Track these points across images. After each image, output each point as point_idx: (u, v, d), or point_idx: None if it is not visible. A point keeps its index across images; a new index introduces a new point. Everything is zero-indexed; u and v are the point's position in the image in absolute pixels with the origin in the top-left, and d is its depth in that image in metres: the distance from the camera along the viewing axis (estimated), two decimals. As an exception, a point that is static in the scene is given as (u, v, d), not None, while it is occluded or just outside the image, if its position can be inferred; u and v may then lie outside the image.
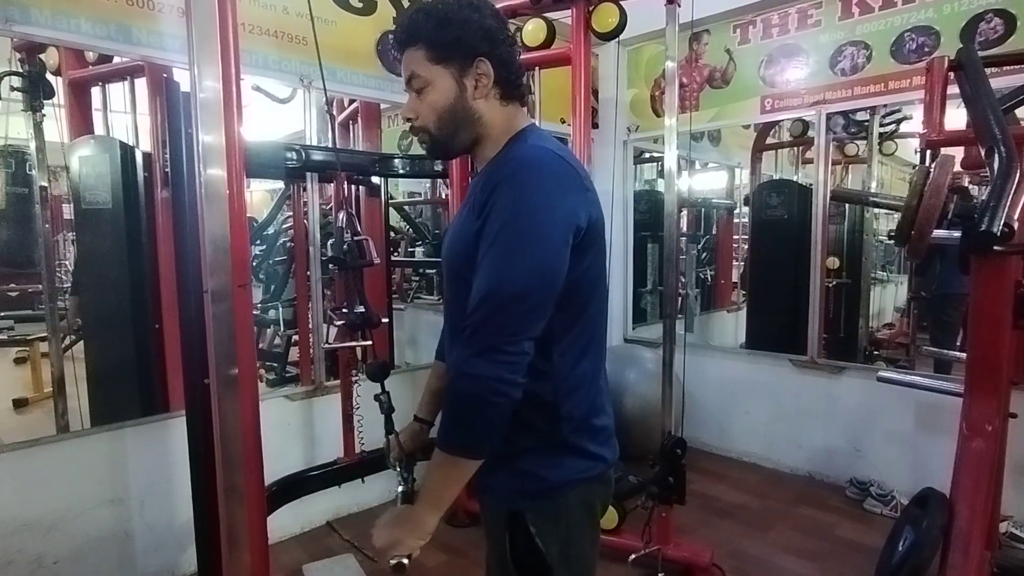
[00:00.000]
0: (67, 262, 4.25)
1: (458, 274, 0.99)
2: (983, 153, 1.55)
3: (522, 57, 2.71)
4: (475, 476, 1.04)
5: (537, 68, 2.62)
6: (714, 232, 5.29)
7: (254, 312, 3.73)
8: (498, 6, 2.46)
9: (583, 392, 1.01)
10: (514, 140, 1.02)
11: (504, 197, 0.90)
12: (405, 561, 0.93)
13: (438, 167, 2.82)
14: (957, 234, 1.55)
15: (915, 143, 4.49)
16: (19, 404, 3.88)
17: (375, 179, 3.21)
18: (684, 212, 4.49)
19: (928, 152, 2.00)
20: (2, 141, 3.29)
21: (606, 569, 2.28)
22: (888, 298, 6.00)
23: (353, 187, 3.05)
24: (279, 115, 3.51)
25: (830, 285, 3.63)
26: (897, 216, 1.71)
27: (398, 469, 1.28)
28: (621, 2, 2.28)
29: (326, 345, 2.72)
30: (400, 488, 1.22)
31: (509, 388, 0.87)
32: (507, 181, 0.91)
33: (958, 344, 3.33)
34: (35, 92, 2.55)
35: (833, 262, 3.69)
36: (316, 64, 2.66)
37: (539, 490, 0.99)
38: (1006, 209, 1.37)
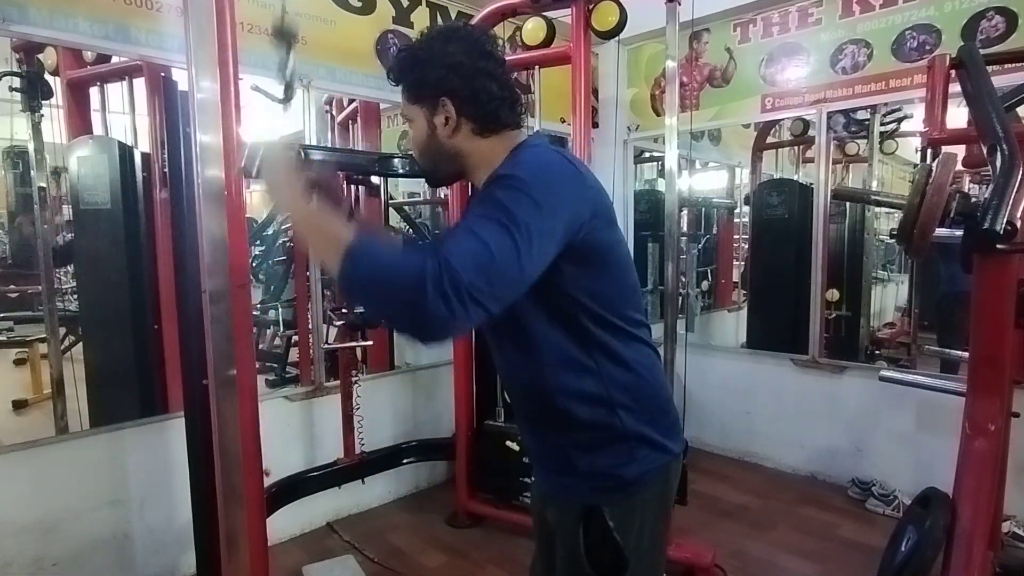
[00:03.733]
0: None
1: None
2: (985, 151, 1.54)
3: (522, 56, 2.73)
4: (541, 477, 1.11)
5: (537, 67, 2.61)
6: (715, 231, 5.28)
7: (254, 313, 3.73)
8: (496, 6, 2.47)
9: (642, 385, 1.02)
10: (515, 150, 1.01)
11: (504, 171, 0.91)
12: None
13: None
14: (959, 233, 1.55)
15: (916, 142, 4.47)
16: (19, 405, 3.86)
17: (375, 179, 3.20)
18: (684, 211, 4.47)
19: (929, 150, 1.98)
20: (6, 143, 3.29)
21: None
22: (889, 297, 5.98)
23: (353, 187, 3.05)
24: (278, 115, 3.50)
25: (829, 318, 3.58)
26: (898, 215, 1.70)
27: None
28: (621, 1, 2.27)
29: (326, 345, 2.71)
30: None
31: (442, 324, 0.78)
32: (508, 167, 0.93)
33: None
34: (33, 92, 2.55)
35: (833, 295, 3.62)
36: (316, 64, 2.68)
37: (616, 486, 1.01)
38: (1009, 207, 1.36)
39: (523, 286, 0.85)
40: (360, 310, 2.50)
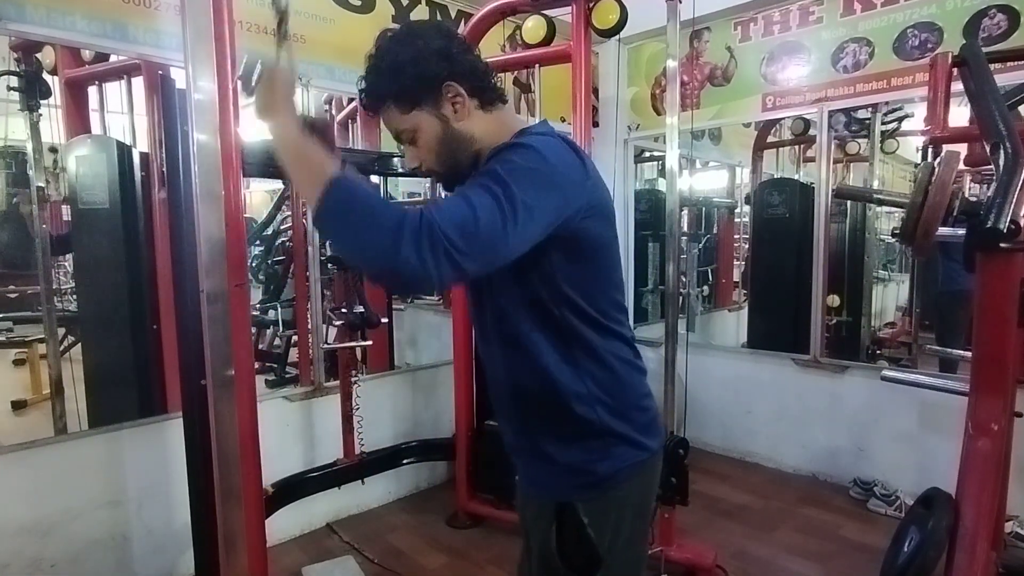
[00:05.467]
0: (67, 263, 4.24)
1: (479, 280, 1.01)
2: (988, 150, 1.53)
3: (522, 54, 2.72)
4: (522, 474, 1.09)
5: (537, 66, 2.60)
6: (715, 231, 5.27)
7: (253, 313, 3.73)
8: (496, 4, 2.46)
9: (619, 381, 1.02)
10: (517, 136, 1.01)
11: (501, 155, 0.90)
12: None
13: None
14: (962, 231, 1.54)
15: (917, 141, 4.47)
16: (18, 406, 3.86)
17: (374, 178, 3.19)
18: (685, 211, 4.47)
19: (931, 149, 1.98)
20: (2, 142, 3.28)
21: (608, 570, 2.26)
22: (890, 297, 5.97)
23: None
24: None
25: (830, 323, 3.56)
26: (900, 214, 1.70)
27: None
28: (621, -1, 2.27)
29: (325, 346, 2.70)
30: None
31: (412, 272, 0.77)
32: (504, 148, 0.91)
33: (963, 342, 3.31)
34: (31, 92, 2.54)
35: (834, 300, 3.61)
36: (315, 63, 2.67)
37: (589, 482, 1.00)
38: (1012, 206, 1.35)
39: (503, 256, 0.84)
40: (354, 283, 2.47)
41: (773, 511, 2.91)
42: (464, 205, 0.80)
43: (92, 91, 2.82)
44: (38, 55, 2.65)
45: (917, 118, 3.87)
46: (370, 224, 0.78)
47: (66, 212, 2.82)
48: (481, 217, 0.79)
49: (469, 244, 0.78)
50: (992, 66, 1.74)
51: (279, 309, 4.32)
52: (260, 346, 4.45)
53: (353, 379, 2.60)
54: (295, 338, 3.85)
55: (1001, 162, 1.42)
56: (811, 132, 3.72)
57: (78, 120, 2.78)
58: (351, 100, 3.30)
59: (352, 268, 2.51)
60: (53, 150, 2.73)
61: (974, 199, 1.52)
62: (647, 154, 4.61)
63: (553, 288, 0.96)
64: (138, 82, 2.67)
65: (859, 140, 4.11)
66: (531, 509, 1.11)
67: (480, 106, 1.01)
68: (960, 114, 2.03)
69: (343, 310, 2.55)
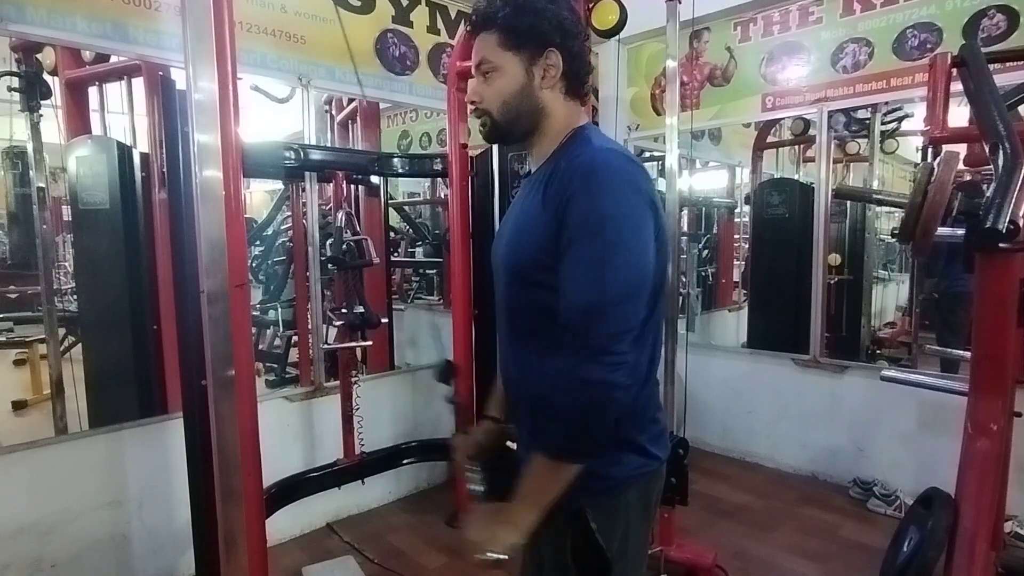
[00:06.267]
0: (67, 263, 4.25)
1: (523, 276, 1.01)
2: (987, 150, 1.53)
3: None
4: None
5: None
6: (715, 231, 5.28)
7: (254, 313, 3.73)
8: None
9: (643, 390, 1.02)
10: (574, 139, 1.02)
11: (585, 203, 0.90)
12: (504, 557, 0.93)
13: (437, 167, 2.80)
14: (961, 231, 1.54)
15: (916, 141, 4.48)
16: (18, 406, 3.87)
17: (374, 179, 3.20)
18: (685, 211, 4.47)
19: (931, 149, 1.98)
20: (5, 143, 3.28)
21: (608, 570, 2.26)
22: (890, 297, 5.98)
23: (352, 187, 3.04)
24: (278, 115, 3.50)
25: (832, 282, 3.61)
26: (900, 214, 1.70)
27: (474, 467, 1.22)
28: (621, -1, 2.27)
29: (325, 346, 2.71)
30: (479, 487, 1.19)
31: (617, 391, 0.88)
32: (583, 186, 0.91)
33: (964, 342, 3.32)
34: (32, 92, 2.54)
35: (835, 258, 3.68)
36: (316, 63, 2.67)
37: (600, 488, 1.00)
38: (1011, 206, 1.35)
39: (645, 288, 0.92)
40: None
41: (773, 511, 2.91)
42: (594, 300, 0.87)
43: (92, 92, 2.83)
44: (38, 56, 2.66)
45: (917, 118, 3.88)
46: (595, 420, 0.89)
47: (67, 212, 2.83)
48: (611, 295, 0.87)
49: (615, 328, 0.87)
50: (991, 66, 1.74)
51: (279, 309, 4.33)
52: (260, 346, 4.46)
53: (353, 379, 2.60)
54: (295, 338, 3.86)
55: (1000, 162, 1.42)
56: (811, 132, 3.72)
57: (79, 121, 2.78)
58: (351, 101, 3.30)
59: (353, 269, 2.51)
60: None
61: (983, 192, 1.52)
62: (647, 154, 4.60)
63: None
64: (138, 83, 2.68)
65: (859, 140, 4.12)
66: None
67: (565, 90, 1.03)
68: (960, 114, 2.04)
69: (343, 310, 2.55)
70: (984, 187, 1.61)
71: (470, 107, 1.08)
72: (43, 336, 3.09)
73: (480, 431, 1.25)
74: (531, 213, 0.98)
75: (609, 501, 1.01)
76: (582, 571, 1.00)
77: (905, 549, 1.75)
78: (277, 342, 4.44)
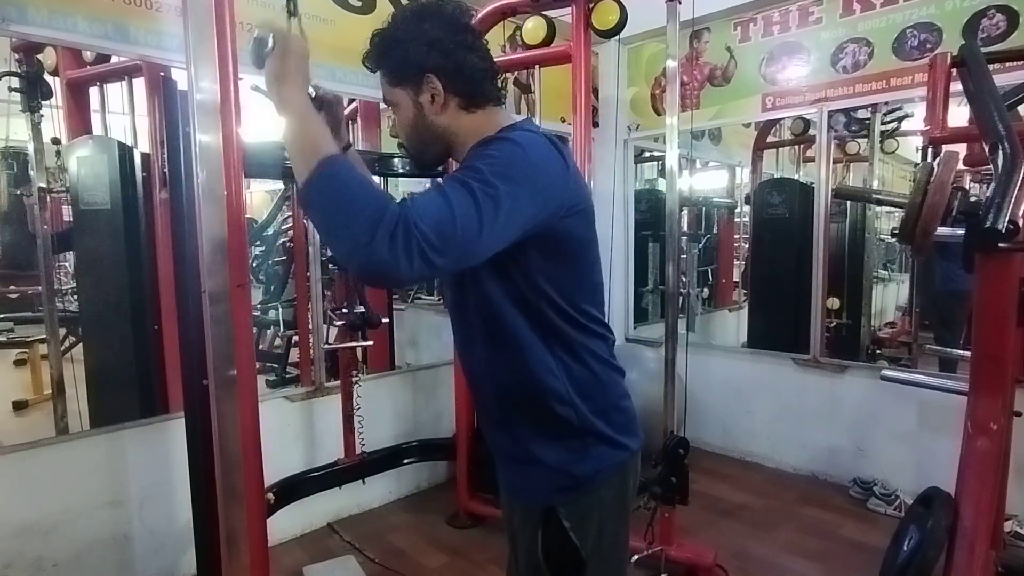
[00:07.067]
0: (67, 264, 4.25)
1: (459, 277, 1.00)
2: (987, 150, 1.54)
3: (522, 55, 2.72)
4: (503, 479, 1.09)
5: (537, 66, 2.61)
6: (715, 231, 5.28)
7: (254, 313, 3.73)
8: (496, 5, 2.46)
9: (597, 380, 1.02)
10: (501, 132, 0.99)
11: (483, 151, 0.90)
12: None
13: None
14: (961, 231, 1.54)
15: (916, 141, 4.48)
16: (19, 406, 3.87)
17: (375, 179, 3.20)
18: (685, 211, 4.47)
19: (930, 149, 1.98)
20: (1, 143, 3.28)
21: (608, 570, 2.27)
22: (890, 297, 5.98)
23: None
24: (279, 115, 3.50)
25: (830, 326, 3.55)
26: (899, 214, 1.70)
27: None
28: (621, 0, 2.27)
29: (326, 346, 2.71)
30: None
31: (382, 265, 0.76)
32: (481, 148, 0.91)
33: (961, 342, 3.32)
34: (33, 93, 2.54)
35: (833, 303, 3.61)
36: (316, 64, 2.67)
37: (570, 484, 0.99)
38: (1011, 206, 1.36)
39: (477, 254, 0.83)
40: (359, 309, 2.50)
41: (773, 510, 2.91)
42: (442, 201, 0.79)
43: (93, 92, 2.83)
44: (39, 56, 2.66)
45: (916, 118, 3.88)
46: (349, 210, 0.77)
47: (67, 212, 2.83)
48: (458, 215, 0.78)
49: (444, 242, 0.77)
50: (991, 66, 1.75)
51: (280, 309, 4.33)
52: (261, 346, 4.46)
53: (354, 379, 2.60)
54: (296, 338, 3.86)
55: (1000, 162, 1.43)
56: (811, 132, 3.72)
57: (79, 121, 2.78)
58: (351, 101, 3.30)
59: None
60: (56, 141, 2.72)
61: (974, 197, 1.53)
62: (647, 154, 4.61)
63: (532, 284, 0.95)
64: (139, 83, 2.68)
65: (859, 140, 4.12)
66: (516, 516, 1.10)
67: (463, 106, 1.00)
68: (959, 114, 2.04)
69: (344, 310, 2.55)
70: (973, 189, 1.61)
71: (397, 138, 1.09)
72: (44, 336, 3.09)
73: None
74: None
75: (581, 497, 1.00)
76: (555, 570, 1.00)
77: (905, 548, 1.76)
78: (277, 342, 4.44)
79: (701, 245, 5.03)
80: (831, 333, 3.54)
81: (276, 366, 4.25)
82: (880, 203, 3.70)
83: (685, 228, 4.57)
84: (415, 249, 0.75)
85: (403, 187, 5.54)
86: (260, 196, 6.22)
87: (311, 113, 0.89)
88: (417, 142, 1.04)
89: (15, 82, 2.54)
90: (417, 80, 0.98)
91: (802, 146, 4.72)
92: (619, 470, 1.04)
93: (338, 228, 0.78)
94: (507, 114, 1.06)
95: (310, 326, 2.91)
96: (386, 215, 0.76)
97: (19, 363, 4.51)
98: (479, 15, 2.56)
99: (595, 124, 3.67)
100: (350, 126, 3.52)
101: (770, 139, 4.65)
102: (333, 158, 0.82)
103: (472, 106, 1.01)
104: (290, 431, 2.68)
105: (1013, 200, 1.36)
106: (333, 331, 2.70)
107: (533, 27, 2.49)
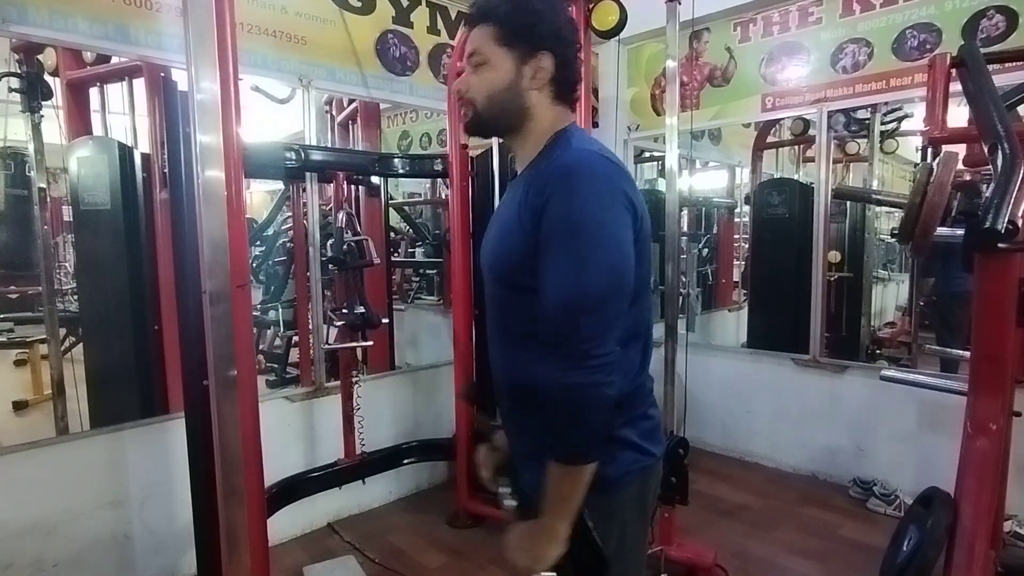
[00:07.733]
0: (67, 264, 4.25)
1: (505, 279, 1.02)
2: (986, 150, 1.54)
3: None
4: (528, 479, 1.07)
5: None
6: (715, 231, 5.28)
7: (254, 313, 3.73)
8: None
9: (633, 387, 1.03)
10: (557, 141, 1.02)
11: (562, 204, 0.91)
12: (552, 574, 0.95)
13: (438, 167, 2.81)
14: (961, 232, 1.55)
15: (916, 141, 4.48)
16: (19, 406, 3.87)
17: (375, 179, 3.20)
18: (685, 211, 4.47)
19: (930, 149, 1.98)
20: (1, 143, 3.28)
21: (608, 570, 2.27)
22: (890, 297, 5.98)
23: (353, 187, 3.05)
24: (279, 115, 3.51)
25: (831, 279, 3.61)
26: (899, 214, 1.70)
27: (502, 481, 1.18)
28: (621, 0, 2.27)
29: (326, 346, 2.71)
30: (512, 501, 1.15)
31: (605, 389, 0.89)
32: (561, 187, 0.92)
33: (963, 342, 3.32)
34: (33, 93, 2.55)
35: (835, 256, 3.69)
36: (316, 64, 2.68)
37: (596, 486, 0.99)
38: (1010, 206, 1.35)
39: (622, 288, 0.93)
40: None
41: (773, 510, 2.91)
42: (573, 303, 0.88)
43: (93, 92, 2.83)
44: (39, 56, 2.66)
45: (916, 118, 3.88)
46: (591, 417, 0.91)
47: (67, 213, 2.83)
48: (588, 297, 0.88)
49: (597, 330, 0.88)
50: (990, 67, 1.75)
51: (280, 309, 4.33)
52: (261, 346, 4.47)
53: (354, 379, 2.61)
54: (296, 338, 3.86)
55: (999, 162, 1.43)
56: (811, 132, 3.72)
57: (80, 121, 2.79)
58: (351, 101, 3.31)
59: (354, 269, 2.52)
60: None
61: (981, 192, 1.53)
62: (647, 154, 4.61)
63: None
64: (139, 83, 2.68)
65: (858, 140, 4.12)
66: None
67: (553, 94, 1.04)
68: (959, 114, 2.04)
69: (344, 310, 2.55)
70: (983, 187, 1.61)
71: (455, 96, 1.09)
72: (44, 336, 3.09)
73: (500, 441, 1.22)
74: (512, 217, 0.99)
75: (605, 499, 1.00)
76: (579, 570, 1.00)
77: (905, 548, 1.76)
78: (277, 342, 4.44)
79: (701, 245, 5.03)
80: (831, 289, 3.60)
81: (276, 366, 4.26)
82: (880, 203, 3.70)
83: (685, 228, 4.56)
84: (585, 356, 0.89)
85: (403, 187, 5.56)
86: (260, 196, 6.23)
87: (576, 504, 0.95)
88: (497, 105, 1.03)
89: (15, 82, 2.54)
90: (531, 51, 1.00)
91: (802, 146, 4.72)
92: (643, 475, 1.05)
93: (597, 418, 0.92)
94: (572, 119, 1.09)
95: (310, 326, 2.91)
96: (571, 383, 0.89)
97: (19, 363, 4.52)
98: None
99: (595, 124, 3.67)
100: (350, 126, 3.53)
101: (770, 139, 4.65)
102: (586, 461, 0.93)
103: (560, 99, 1.05)
104: (290, 431, 2.68)
105: (1012, 200, 1.36)
106: (333, 331, 2.71)
107: (533, 27, 2.49)
